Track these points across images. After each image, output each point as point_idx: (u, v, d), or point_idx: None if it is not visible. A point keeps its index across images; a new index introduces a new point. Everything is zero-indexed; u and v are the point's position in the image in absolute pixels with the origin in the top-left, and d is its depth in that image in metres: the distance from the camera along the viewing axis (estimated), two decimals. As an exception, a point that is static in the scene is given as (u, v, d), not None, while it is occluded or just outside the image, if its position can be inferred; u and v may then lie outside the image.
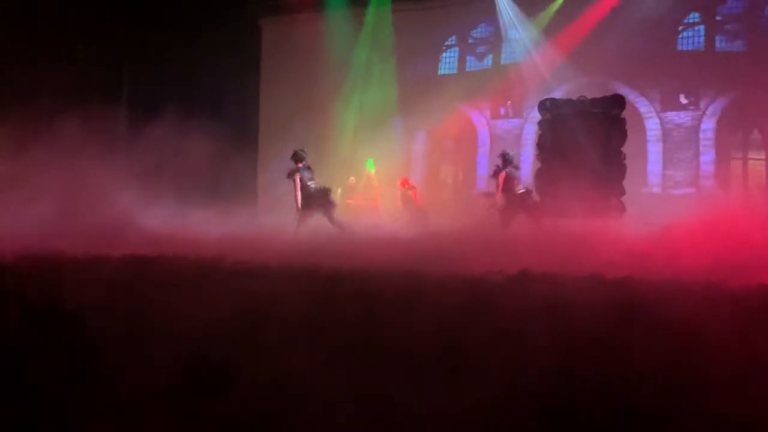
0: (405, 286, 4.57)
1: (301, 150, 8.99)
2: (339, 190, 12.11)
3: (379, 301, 4.61)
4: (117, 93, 12.30)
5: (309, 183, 8.73)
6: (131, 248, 6.19)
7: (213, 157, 10.65)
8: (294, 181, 8.57)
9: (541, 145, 11.07)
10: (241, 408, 2.27)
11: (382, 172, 12.25)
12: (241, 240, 7.59)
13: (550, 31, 12.50)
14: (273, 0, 14.00)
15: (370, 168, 12.11)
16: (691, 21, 12.52)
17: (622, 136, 10.36)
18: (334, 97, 13.21)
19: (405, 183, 11.41)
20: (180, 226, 8.75)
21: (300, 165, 8.77)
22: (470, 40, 14.10)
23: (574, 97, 10.97)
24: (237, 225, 9.47)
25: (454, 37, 14.18)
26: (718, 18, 12.29)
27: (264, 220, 11.50)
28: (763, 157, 11.94)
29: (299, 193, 8.56)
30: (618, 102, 10.50)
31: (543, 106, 11.12)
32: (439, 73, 14.16)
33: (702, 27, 12.41)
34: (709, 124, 12.28)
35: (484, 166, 13.72)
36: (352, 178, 12.13)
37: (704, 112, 12.31)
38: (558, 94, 11.77)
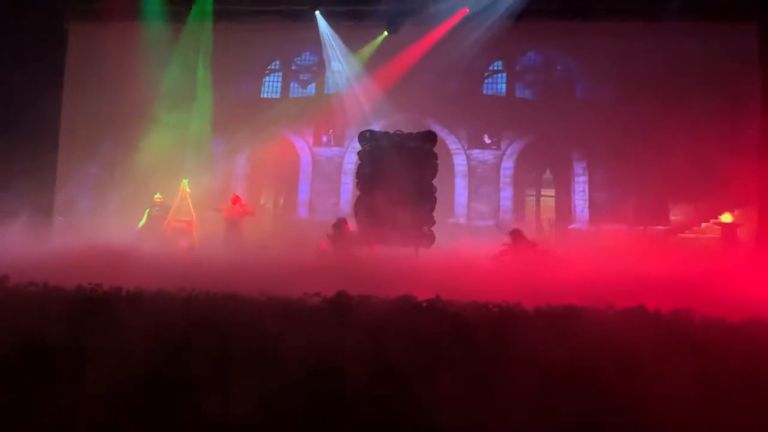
0: (217, 309, 4.41)
1: None
2: (147, 210, 11.38)
3: (185, 326, 4.40)
4: None
5: None
6: None
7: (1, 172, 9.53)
8: None
9: (361, 175, 11.44)
10: None
11: (200, 194, 11.76)
12: (30, 259, 6.82)
13: (370, 66, 13.02)
14: (82, 4, 12.90)
15: (186, 188, 11.55)
16: (495, 69, 13.79)
17: (434, 169, 11.07)
18: (146, 114, 12.46)
19: (236, 200, 10.89)
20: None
21: None
22: (294, 67, 14.20)
23: (392, 131, 11.53)
24: (28, 244, 8.50)
25: (278, 62, 14.19)
26: (518, 68, 13.68)
27: (62, 239, 10.46)
28: (553, 194, 13.41)
29: None
30: (430, 138, 11.22)
31: (363, 137, 11.52)
32: (261, 96, 14.05)
33: (504, 75, 13.73)
34: (508, 163, 13.54)
35: (306, 192, 13.80)
36: (157, 195, 11.46)
37: (504, 152, 13.56)
38: (377, 127, 12.26)
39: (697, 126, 11.08)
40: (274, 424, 4.27)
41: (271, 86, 14.16)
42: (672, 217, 12.40)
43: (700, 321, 4.21)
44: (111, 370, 4.24)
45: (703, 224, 12.14)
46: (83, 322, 4.30)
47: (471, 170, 13.65)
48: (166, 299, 4.55)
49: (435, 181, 10.94)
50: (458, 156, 13.67)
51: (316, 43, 13.30)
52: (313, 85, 14.05)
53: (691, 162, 11.17)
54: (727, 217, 11.53)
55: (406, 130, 11.62)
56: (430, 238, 10.62)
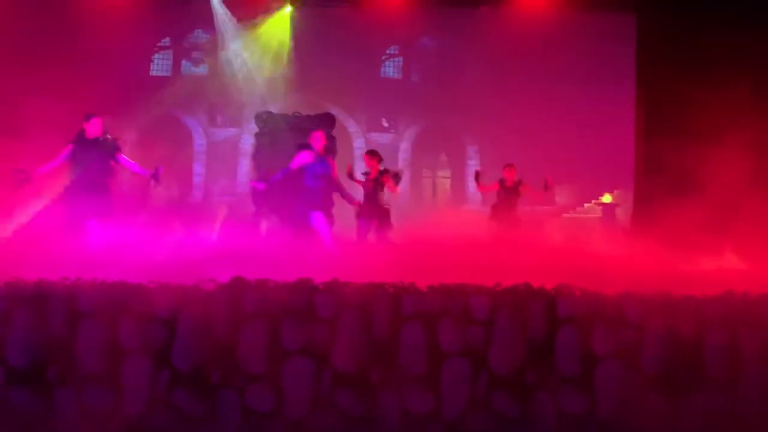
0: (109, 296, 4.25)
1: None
2: None
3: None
4: None
5: None
6: None
7: None
8: None
9: (258, 157, 11.23)
10: None
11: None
12: None
13: (268, 44, 12.77)
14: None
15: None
16: (392, 52, 13.93)
17: (332, 152, 11.02)
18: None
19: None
20: None
21: None
22: (186, 44, 13.66)
23: (290, 113, 11.39)
24: None
25: (168, 39, 13.59)
26: (413, 52, 13.88)
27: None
28: (449, 175, 13.84)
29: None
30: (329, 120, 11.18)
31: (260, 118, 11.29)
32: (150, 74, 13.42)
33: (401, 59, 13.91)
34: (406, 146, 13.78)
35: (201, 174, 13.38)
36: None
37: (402, 135, 13.78)
38: (274, 108, 12.06)
39: (580, 111, 11.74)
40: (167, 417, 4.18)
41: (161, 64, 13.55)
42: (557, 198, 13.12)
43: (581, 295, 4.53)
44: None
45: (586, 205, 12.95)
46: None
47: (370, 153, 13.74)
48: (47, 288, 4.31)
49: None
50: (357, 139, 13.73)
51: (209, 21, 12.85)
52: (206, 63, 13.59)
53: (575, 145, 11.85)
54: (607, 198, 12.35)
55: (304, 112, 11.52)
56: (330, 221, 10.60)
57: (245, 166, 13.19)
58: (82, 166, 6.63)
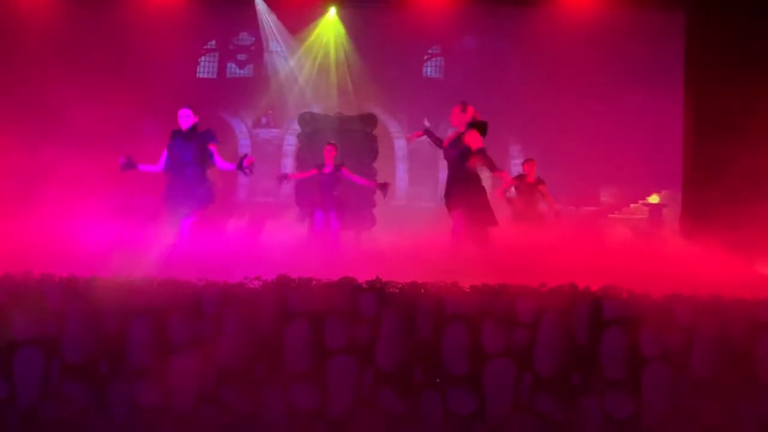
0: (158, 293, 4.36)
1: None
2: None
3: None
4: None
5: None
6: None
7: None
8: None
9: (301, 158, 11.38)
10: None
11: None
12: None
13: (310, 47, 12.91)
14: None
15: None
16: (434, 52, 13.88)
17: (374, 152, 11.11)
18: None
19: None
20: None
21: None
22: (231, 47, 13.89)
23: (332, 113, 11.48)
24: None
25: (213, 42, 13.85)
26: (455, 52, 13.78)
27: None
28: (490, 176, 13.68)
29: None
30: (371, 121, 11.26)
31: (302, 119, 11.46)
32: (197, 76, 13.69)
33: (443, 59, 13.84)
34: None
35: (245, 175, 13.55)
36: None
37: (443, 135, 13.67)
38: (317, 109, 12.19)
39: (626, 110, 11.51)
40: (213, 413, 4.28)
41: (207, 66, 13.81)
42: (603, 199, 12.87)
43: (628, 297, 4.45)
44: (44, 361, 4.15)
45: (632, 205, 12.66)
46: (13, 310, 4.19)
47: (411, 153, 13.73)
48: (100, 286, 4.45)
49: (376, 165, 10.97)
50: (399, 139, 13.71)
51: (254, 24, 13.05)
52: (251, 65, 13.79)
53: (621, 145, 11.62)
54: (654, 198, 12.07)
55: (346, 113, 11.61)
56: (371, 221, 10.71)
57: (288, 167, 13.34)
58: (177, 160, 6.47)
